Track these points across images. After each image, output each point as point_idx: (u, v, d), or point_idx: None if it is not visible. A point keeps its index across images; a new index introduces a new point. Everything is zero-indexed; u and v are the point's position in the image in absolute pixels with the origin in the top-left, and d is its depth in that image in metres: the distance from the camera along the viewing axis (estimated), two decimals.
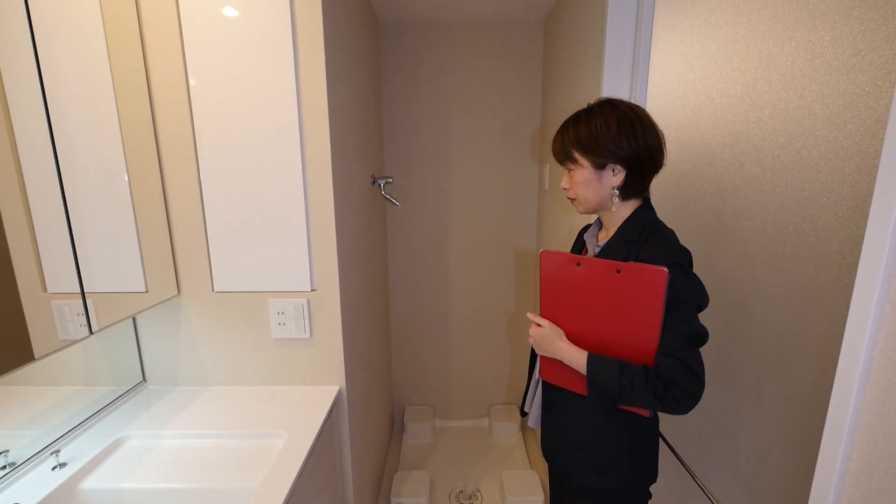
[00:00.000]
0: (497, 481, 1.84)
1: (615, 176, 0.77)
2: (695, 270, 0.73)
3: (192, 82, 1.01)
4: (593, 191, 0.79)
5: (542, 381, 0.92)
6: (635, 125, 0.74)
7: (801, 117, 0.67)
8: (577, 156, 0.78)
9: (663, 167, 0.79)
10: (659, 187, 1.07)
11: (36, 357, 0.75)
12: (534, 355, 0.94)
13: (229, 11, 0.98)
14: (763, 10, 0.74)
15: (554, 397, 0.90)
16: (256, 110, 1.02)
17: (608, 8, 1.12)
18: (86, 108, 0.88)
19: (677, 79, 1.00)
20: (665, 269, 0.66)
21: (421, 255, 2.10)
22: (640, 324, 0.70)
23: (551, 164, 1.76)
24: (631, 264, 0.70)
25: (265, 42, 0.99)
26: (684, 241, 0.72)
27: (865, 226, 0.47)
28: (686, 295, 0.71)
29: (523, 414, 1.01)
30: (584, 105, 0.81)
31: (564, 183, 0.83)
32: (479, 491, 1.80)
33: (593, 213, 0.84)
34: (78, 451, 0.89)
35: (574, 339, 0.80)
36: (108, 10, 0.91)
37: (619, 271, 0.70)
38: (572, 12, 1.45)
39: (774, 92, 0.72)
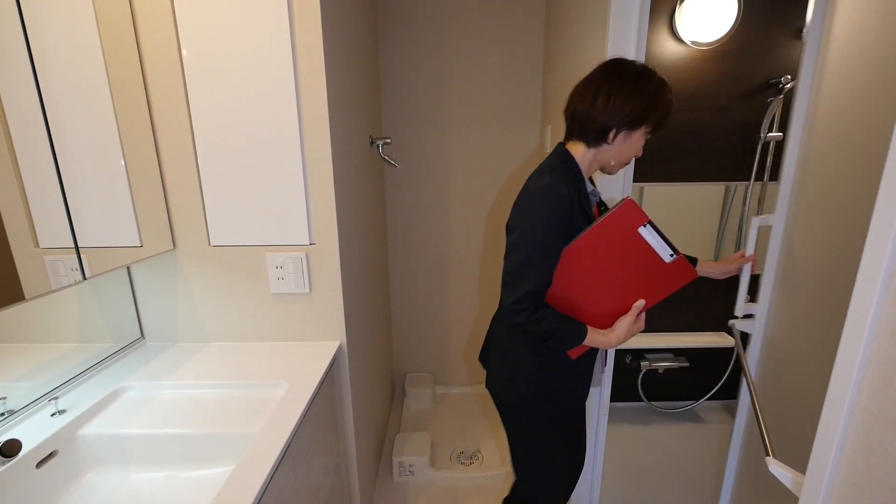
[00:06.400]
0: (498, 443, 1.86)
1: None
2: None
3: (182, 32, 0.97)
4: None
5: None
6: None
7: None
8: None
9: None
10: None
11: (27, 298, 0.73)
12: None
13: None
14: None
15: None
16: (250, 59, 0.98)
17: None
18: (72, 58, 0.84)
19: None
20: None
21: (420, 219, 2.07)
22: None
23: (553, 126, 1.71)
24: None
25: None
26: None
27: None
28: None
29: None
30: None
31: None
32: (480, 451, 1.83)
33: None
34: (77, 400, 0.88)
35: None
36: None
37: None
38: None
39: None
